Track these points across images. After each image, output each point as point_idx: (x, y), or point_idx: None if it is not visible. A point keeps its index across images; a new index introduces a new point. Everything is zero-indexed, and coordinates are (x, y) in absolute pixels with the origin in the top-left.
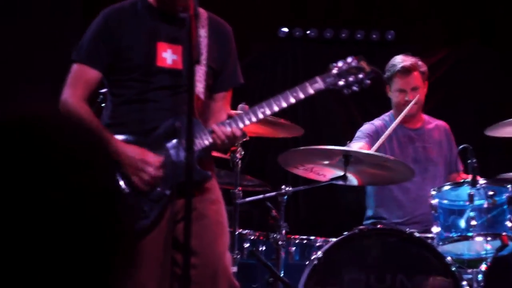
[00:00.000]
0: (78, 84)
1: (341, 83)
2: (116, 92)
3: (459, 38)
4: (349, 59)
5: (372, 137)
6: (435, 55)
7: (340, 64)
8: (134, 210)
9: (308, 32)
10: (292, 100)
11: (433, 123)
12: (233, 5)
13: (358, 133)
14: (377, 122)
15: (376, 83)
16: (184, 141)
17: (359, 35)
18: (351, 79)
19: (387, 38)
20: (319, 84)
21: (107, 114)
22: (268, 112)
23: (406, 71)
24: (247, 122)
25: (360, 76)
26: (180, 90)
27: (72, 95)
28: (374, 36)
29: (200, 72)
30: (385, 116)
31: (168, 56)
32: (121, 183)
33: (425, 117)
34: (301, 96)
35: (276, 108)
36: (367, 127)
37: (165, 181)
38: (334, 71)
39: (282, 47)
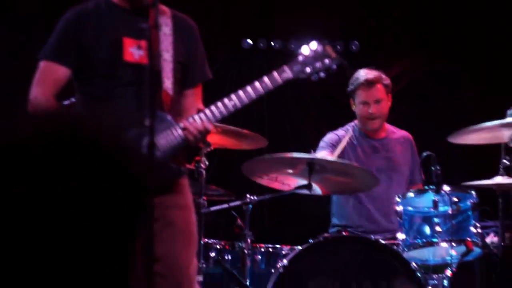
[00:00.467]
0: (46, 82)
1: (308, 69)
2: (84, 90)
3: (421, 48)
4: (314, 45)
5: (335, 147)
6: (398, 66)
7: (305, 51)
8: None
9: (272, 43)
10: (261, 90)
11: (397, 133)
12: (197, 15)
13: (321, 143)
14: (340, 132)
15: (343, 93)
16: (156, 139)
17: None
18: (317, 65)
19: (351, 48)
20: (287, 73)
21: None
22: (238, 104)
23: (369, 83)
24: (218, 116)
25: (327, 61)
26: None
27: (41, 93)
28: (338, 46)
29: (167, 68)
30: (349, 126)
31: (134, 51)
32: None
33: (389, 127)
34: (270, 85)
35: (246, 100)
36: (330, 136)
37: None
38: (300, 58)
39: (247, 58)
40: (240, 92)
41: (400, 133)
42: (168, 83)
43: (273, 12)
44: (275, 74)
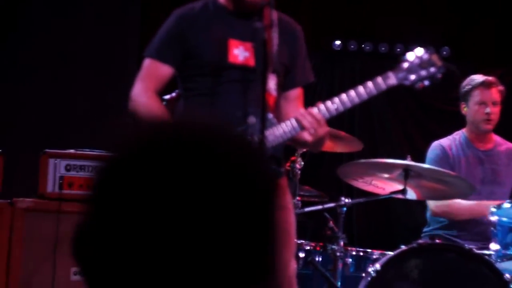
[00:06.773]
0: (149, 79)
1: (412, 77)
2: (188, 86)
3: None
4: (420, 52)
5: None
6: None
7: (411, 57)
8: None
9: (363, 45)
10: (365, 96)
11: (504, 145)
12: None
13: (433, 157)
14: (445, 141)
15: (436, 99)
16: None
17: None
18: (422, 73)
19: (441, 54)
20: (392, 79)
21: (179, 110)
22: (341, 108)
23: (488, 84)
24: (327, 115)
25: (432, 70)
26: (251, 85)
27: (143, 89)
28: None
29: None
30: (456, 135)
31: (239, 53)
32: None
33: (497, 138)
34: (374, 91)
35: (349, 104)
36: (438, 148)
37: None
38: (405, 65)
39: (338, 60)
40: (344, 96)
41: (507, 145)
42: (271, 84)
43: (374, 14)
44: (379, 79)
